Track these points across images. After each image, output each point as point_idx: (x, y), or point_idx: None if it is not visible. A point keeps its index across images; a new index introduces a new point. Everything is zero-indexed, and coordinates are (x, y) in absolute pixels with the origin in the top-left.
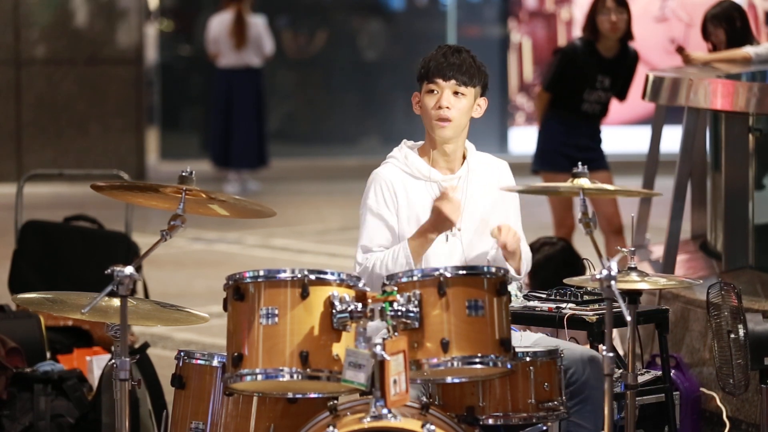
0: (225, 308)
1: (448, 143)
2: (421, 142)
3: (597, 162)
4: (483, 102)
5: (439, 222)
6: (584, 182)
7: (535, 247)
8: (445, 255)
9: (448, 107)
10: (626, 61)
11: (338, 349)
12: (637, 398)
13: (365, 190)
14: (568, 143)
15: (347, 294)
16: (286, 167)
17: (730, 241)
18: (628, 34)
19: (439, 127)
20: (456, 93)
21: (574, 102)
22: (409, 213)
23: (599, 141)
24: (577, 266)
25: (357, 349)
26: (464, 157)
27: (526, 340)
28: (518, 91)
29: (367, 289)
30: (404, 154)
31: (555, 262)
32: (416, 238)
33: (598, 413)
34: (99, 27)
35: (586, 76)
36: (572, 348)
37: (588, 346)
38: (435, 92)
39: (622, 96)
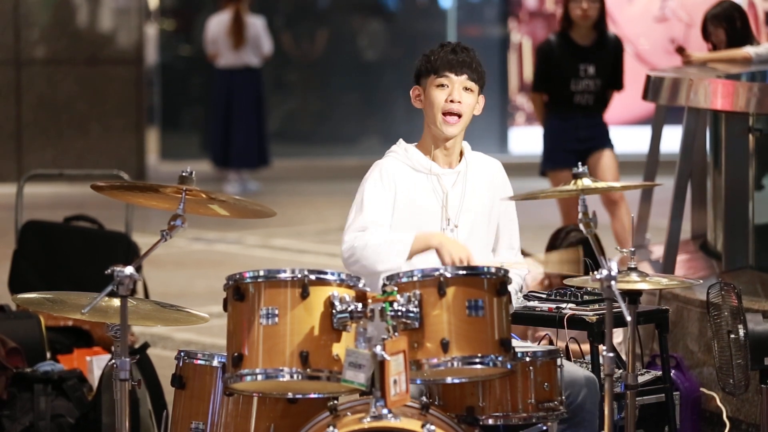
0: (225, 308)
1: (450, 140)
2: (415, 143)
3: (597, 146)
4: (481, 99)
5: (443, 252)
6: (585, 182)
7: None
8: None
9: (459, 102)
10: (606, 47)
11: (338, 349)
12: (637, 398)
13: (365, 176)
14: (569, 138)
15: (347, 294)
16: (287, 167)
17: (730, 241)
18: (601, 21)
19: (448, 124)
20: (465, 88)
21: (564, 96)
22: (408, 205)
23: (603, 131)
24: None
25: (357, 349)
26: (461, 154)
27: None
28: (518, 91)
29: (368, 289)
30: (404, 147)
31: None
32: (418, 242)
33: None
34: (99, 27)
35: (567, 67)
36: (571, 369)
37: (588, 347)
38: (446, 86)
39: (616, 85)
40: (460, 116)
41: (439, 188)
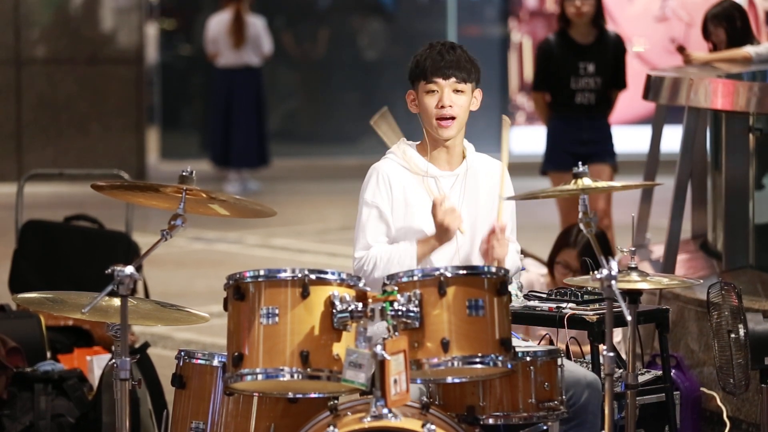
0: (225, 308)
1: (449, 140)
2: (418, 142)
3: (598, 156)
4: (478, 94)
5: (442, 233)
6: (585, 182)
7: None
8: (443, 252)
9: (450, 106)
10: (606, 45)
11: (339, 348)
12: (638, 398)
13: (363, 184)
14: (571, 140)
15: (348, 294)
16: (287, 167)
17: (731, 241)
18: (598, 18)
19: (442, 127)
20: (456, 90)
21: (566, 95)
22: (404, 207)
23: (606, 135)
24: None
25: (357, 348)
26: (463, 156)
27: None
28: (518, 91)
29: (368, 288)
30: (402, 149)
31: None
32: (422, 246)
33: None
34: (99, 26)
35: (567, 65)
36: (573, 370)
37: (588, 347)
38: (435, 92)
39: (618, 84)
40: (454, 118)
41: (437, 191)
